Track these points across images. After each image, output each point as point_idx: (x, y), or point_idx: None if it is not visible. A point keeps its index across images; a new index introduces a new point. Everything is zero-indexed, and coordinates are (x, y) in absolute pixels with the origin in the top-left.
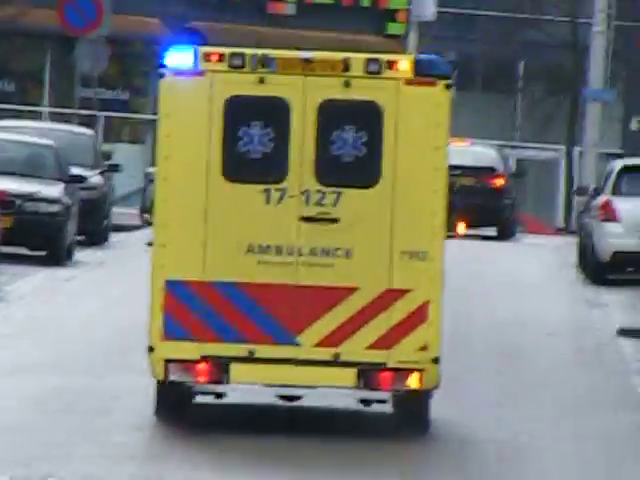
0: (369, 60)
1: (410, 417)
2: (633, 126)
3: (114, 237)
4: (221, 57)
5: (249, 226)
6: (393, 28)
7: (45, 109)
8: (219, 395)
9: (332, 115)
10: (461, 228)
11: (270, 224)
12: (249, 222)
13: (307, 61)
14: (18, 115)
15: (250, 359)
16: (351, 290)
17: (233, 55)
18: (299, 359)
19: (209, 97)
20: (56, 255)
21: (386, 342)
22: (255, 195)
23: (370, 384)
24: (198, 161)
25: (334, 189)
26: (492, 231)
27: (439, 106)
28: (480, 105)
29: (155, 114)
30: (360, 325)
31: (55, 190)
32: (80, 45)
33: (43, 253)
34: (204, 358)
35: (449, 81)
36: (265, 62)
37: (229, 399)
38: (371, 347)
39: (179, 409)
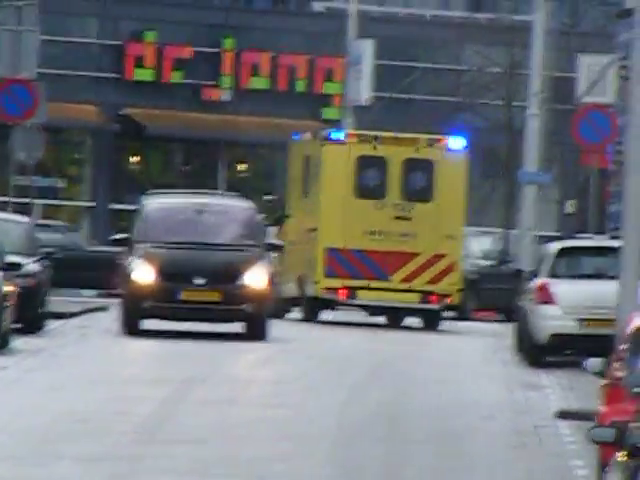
0: (428, 139)
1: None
2: (568, 209)
3: (51, 324)
4: (354, 136)
5: (367, 221)
6: (329, 113)
7: None
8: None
9: (409, 165)
10: None
11: (380, 219)
12: (367, 219)
13: (396, 138)
14: None
15: (367, 288)
16: (417, 254)
17: (360, 135)
18: (390, 288)
19: (348, 156)
20: None
21: (435, 280)
22: (370, 205)
23: (426, 302)
24: (342, 188)
25: (410, 203)
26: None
27: (462, 163)
28: None
29: (91, 200)
30: (422, 271)
31: None
32: (15, 133)
33: None
34: (344, 287)
35: (466, 149)
36: (376, 138)
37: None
38: (427, 283)
39: (315, 315)
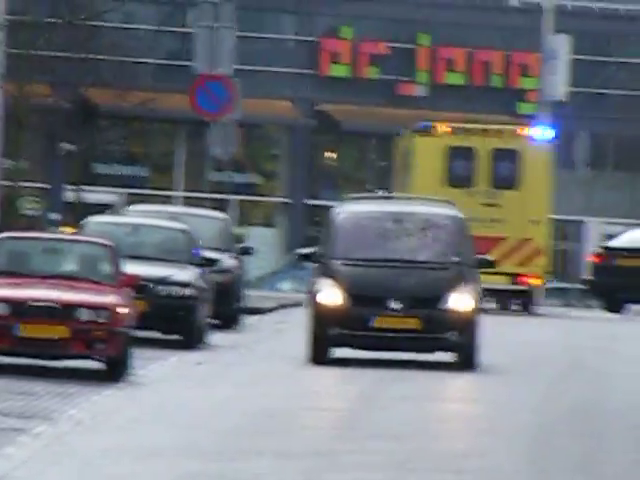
0: (513, 129)
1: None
2: None
3: (247, 320)
4: (443, 127)
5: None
6: (524, 108)
7: (178, 193)
8: None
9: (497, 155)
10: None
11: (469, 206)
12: (459, 206)
13: (483, 129)
14: (151, 199)
15: None
16: (505, 238)
17: (451, 127)
18: (480, 271)
19: (440, 146)
20: (189, 339)
21: (523, 263)
22: (460, 193)
23: (516, 283)
24: (432, 177)
25: (498, 190)
26: None
27: (546, 151)
28: (612, 183)
29: (286, 196)
30: (510, 254)
31: (187, 274)
32: (212, 129)
33: (176, 337)
34: None
35: (552, 140)
36: (464, 129)
37: None
38: (516, 265)
39: None
